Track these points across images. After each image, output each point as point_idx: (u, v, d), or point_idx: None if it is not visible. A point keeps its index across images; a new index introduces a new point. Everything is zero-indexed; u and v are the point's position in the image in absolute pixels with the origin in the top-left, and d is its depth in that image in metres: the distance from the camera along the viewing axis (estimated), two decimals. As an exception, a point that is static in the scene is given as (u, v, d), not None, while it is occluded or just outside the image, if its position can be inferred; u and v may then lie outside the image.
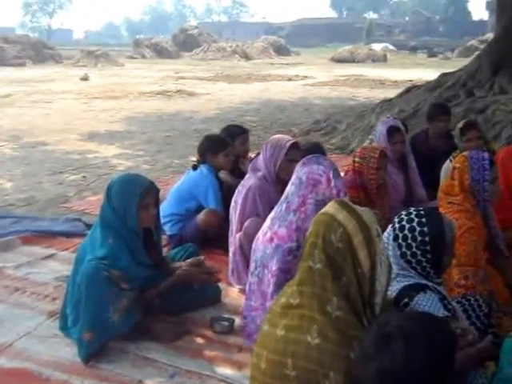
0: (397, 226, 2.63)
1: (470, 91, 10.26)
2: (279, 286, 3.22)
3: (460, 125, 5.01)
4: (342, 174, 4.30)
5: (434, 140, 5.73)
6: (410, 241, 2.59)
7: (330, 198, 3.28)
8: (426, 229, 2.59)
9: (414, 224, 2.61)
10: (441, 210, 3.38)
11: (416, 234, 2.59)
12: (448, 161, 4.96)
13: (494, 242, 3.61)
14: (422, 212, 2.66)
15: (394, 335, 1.71)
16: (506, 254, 3.67)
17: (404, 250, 2.59)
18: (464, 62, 13.84)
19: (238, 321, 3.48)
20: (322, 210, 2.20)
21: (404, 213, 2.69)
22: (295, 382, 2.03)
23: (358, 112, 11.57)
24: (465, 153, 3.64)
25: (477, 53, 13.65)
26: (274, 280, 3.23)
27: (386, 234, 2.70)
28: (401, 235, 2.61)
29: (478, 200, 3.48)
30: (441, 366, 1.71)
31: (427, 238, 2.58)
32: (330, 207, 2.18)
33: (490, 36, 23.47)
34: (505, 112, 9.19)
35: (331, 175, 3.32)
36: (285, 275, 3.21)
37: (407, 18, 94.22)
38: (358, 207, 2.17)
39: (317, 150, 5.47)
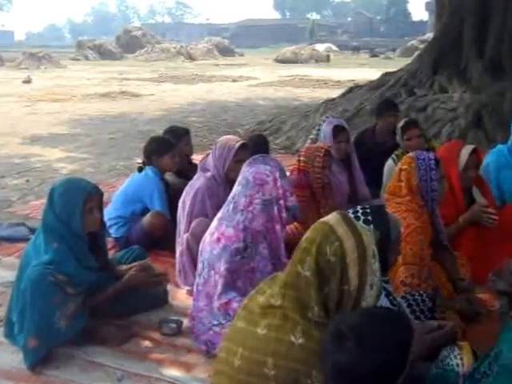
0: None
1: (411, 90, 10.49)
2: (227, 287, 3.22)
3: (401, 123, 5.11)
4: (288, 173, 4.33)
5: (382, 136, 5.80)
6: None
7: (276, 198, 3.31)
8: (371, 226, 2.63)
9: (360, 222, 2.64)
10: (388, 210, 3.44)
11: None
12: (390, 159, 5.05)
13: (438, 238, 3.69)
14: (368, 210, 2.69)
15: (347, 334, 1.73)
16: (450, 249, 3.76)
17: None
18: (405, 61, 14.12)
19: (186, 322, 3.45)
20: (324, 219, 2.15)
21: (350, 211, 2.71)
22: (273, 380, 2.02)
23: (303, 112, 11.65)
24: (411, 154, 3.69)
25: (417, 52, 13.95)
26: (222, 281, 3.22)
27: None
28: None
29: (427, 200, 3.53)
30: (395, 360, 1.74)
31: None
32: (332, 218, 2.13)
33: (429, 36, 24.05)
34: (445, 110, 9.43)
35: (277, 175, 3.33)
36: (232, 275, 3.22)
37: (349, 19, 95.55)
38: (360, 224, 2.16)
39: (260, 140, 5.53)
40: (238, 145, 4.09)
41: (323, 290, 2.02)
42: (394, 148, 5.21)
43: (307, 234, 2.12)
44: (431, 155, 3.61)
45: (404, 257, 3.19)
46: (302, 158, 4.52)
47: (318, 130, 5.41)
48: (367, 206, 2.77)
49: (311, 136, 5.71)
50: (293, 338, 2.00)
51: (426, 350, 2.17)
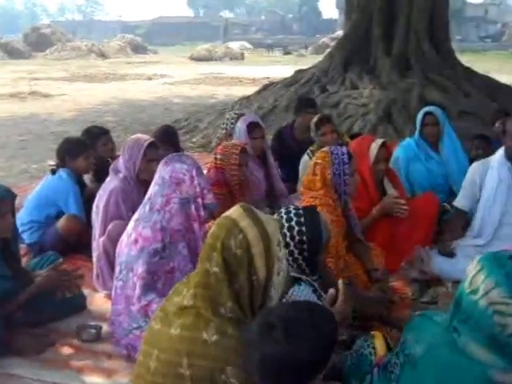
0: None
1: (323, 87, 10.71)
2: (146, 289, 3.19)
3: (315, 119, 5.20)
4: (205, 171, 4.33)
5: (301, 133, 5.87)
6: (288, 239, 2.65)
7: (194, 196, 3.30)
8: (304, 228, 2.66)
9: (293, 223, 2.67)
10: (303, 204, 3.51)
11: (294, 233, 2.66)
12: (305, 155, 5.14)
13: (352, 230, 3.80)
14: (301, 211, 2.73)
15: (276, 324, 1.76)
16: (363, 240, 3.88)
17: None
18: (317, 58, 14.37)
19: (105, 327, 3.39)
20: (226, 213, 2.15)
21: (283, 211, 2.74)
22: (189, 380, 2.01)
23: (219, 110, 11.65)
24: (325, 148, 3.77)
25: (328, 50, 14.25)
26: (140, 283, 3.18)
27: None
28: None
29: (340, 193, 3.62)
30: (322, 349, 1.78)
31: (305, 238, 2.65)
32: (235, 211, 2.14)
33: (340, 34, 24.57)
34: (356, 106, 9.70)
35: (194, 173, 3.32)
36: (151, 277, 3.18)
37: (263, 17, 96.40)
38: (262, 214, 2.16)
39: (170, 130, 5.50)
40: (146, 143, 4.05)
41: (233, 284, 2.04)
42: (311, 145, 5.29)
43: (211, 230, 2.14)
44: (344, 150, 3.71)
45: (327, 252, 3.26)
46: (218, 156, 4.52)
47: (225, 127, 5.43)
48: (300, 208, 2.80)
49: (218, 135, 5.73)
50: (206, 336, 2.01)
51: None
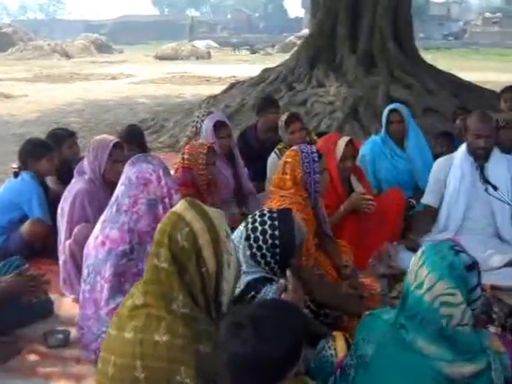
0: (250, 226, 2.67)
1: (290, 85, 10.75)
2: (114, 292, 3.15)
3: (284, 118, 5.20)
4: (172, 172, 4.30)
5: (265, 133, 5.88)
6: (261, 243, 2.65)
7: (161, 197, 3.27)
8: (277, 232, 2.66)
9: (266, 227, 2.66)
10: (273, 203, 3.50)
11: (267, 236, 2.65)
12: (273, 153, 5.14)
13: (322, 228, 3.81)
14: (275, 214, 2.72)
15: (245, 323, 1.76)
16: (333, 238, 3.89)
17: (254, 250, 2.64)
18: (284, 57, 14.41)
19: (73, 332, 3.34)
20: (172, 209, 2.18)
21: (258, 213, 2.73)
22: (145, 383, 2.01)
23: (185, 109, 11.60)
24: (295, 147, 3.77)
25: (295, 48, 14.30)
26: (108, 285, 3.14)
27: (238, 232, 2.73)
28: (252, 236, 2.66)
29: (310, 192, 3.62)
30: (291, 347, 1.78)
31: (277, 242, 2.65)
32: (180, 206, 2.16)
33: (306, 32, 24.68)
34: (323, 104, 9.76)
35: (161, 173, 3.30)
36: (119, 279, 3.15)
37: (229, 16, 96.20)
38: (207, 207, 2.18)
39: (136, 130, 5.46)
40: (111, 144, 4.00)
41: (184, 277, 2.05)
42: (277, 144, 5.30)
43: (158, 226, 2.15)
44: (314, 148, 3.72)
45: (301, 255, 3.26)
46: (185, 156, 4.50)
47: (194, 126, 5.41)
48: (275, 210, 2.80)
49: (187, 133, 5.70)
50: (157, 337, 2.01)
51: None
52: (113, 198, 3.34)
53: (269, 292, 2.56)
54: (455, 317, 1.95)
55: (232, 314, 1.86)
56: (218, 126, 5.00)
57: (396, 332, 2.05)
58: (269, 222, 2.68)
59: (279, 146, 5.16)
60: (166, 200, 3.29)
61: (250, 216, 2.75)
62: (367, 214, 4.24)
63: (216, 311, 2.12)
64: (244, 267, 2.61)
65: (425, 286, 2.00)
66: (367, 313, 2.28)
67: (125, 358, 2.05)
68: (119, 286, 3.16)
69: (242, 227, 2.69)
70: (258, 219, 2.69)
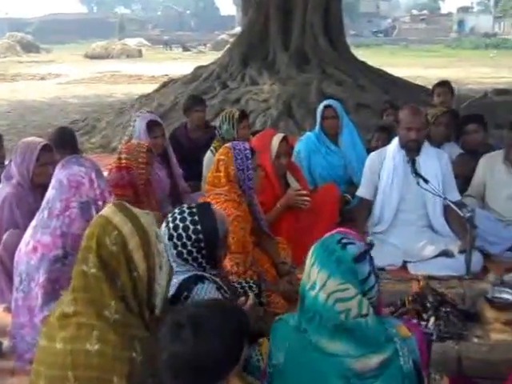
0: (171, 225, 2.63)
1: (224, 83, 10.75)
2: (48, 298, 3.07)
3: (236, 115, 5.19)
4: (106, 173, 4.21)
5: (194, 132, 5.88)
6: (185, 239, 2.60)
7: (94, 200, 3.20)
8: (199, 226, 2.62)
9: (188, 223, 2.63)
10: (209, 201, 3.48)
11: (190, 232, 2.61)
12: (209, 151, 5.12)
13: (259, 225, 3.81)
14: (194, 210, 2.69)
15: (185, 323, 1.74)
16: (270, 235, 3.90)
17: (180, 248, 2.60)
18: (217, 55, 14.40)
19: (6, 342, 3.23)
20: (100, 212, 2.13)
21: (177, 211, 2.70)
22: None
23: (117, 109, 11.44)
24: (227, 144, 3.76)
25: (227, 46, 14.30)
26: (42, 292, 3.07)
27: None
28: (175, 234, 2.61)
29: (244, 189, 3.62)
30: (231, 346, 1.78)
31: (201, 236, 2.61)
32: (107, 209, 2.11)
33: (238, 30, 24.75)
34: (257, 101, 9.80)
35: (94, 175, 3.24)
36: (53, 285, 3.08)
37: (159, 13, 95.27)
38: (136, 209, 2.13)
39: (67, 131, 5.32)
40: (39, 147, 3.87)
41: (115, 282, 2.00)
42: (208, 142, 5.29)
43: (86, 232, 2.10)
44: (247, 145, 3.71)
45: (228, 246, 3.25)
46: (124, 156, 4.43)
47: (133, 126, 5.32)
48: (193, 205, 2.77)
49: (127, 133, 5.60)
50: (88, 346, 1.96)
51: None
52: (44, 202, 3.25)
53: (201, 291, 2.54)
54: (352, 310, 1.94)
55: (172, 314, 1.83)
56: (151, 126, 4.94)
57: (301, 336, 2.03)
58: (189, 218, 2.65)
59: (214, 144, 5.15)
60: (100, 202, 3.23)
61: (169, 215, 2.71)
62: (303, 210, 4.28)
63: (149, 314, 2.08)
64: (176, 267, 2.59)
65: (317, 286, 1.98)
66: (277, 318, 2.23)
67: (56, 370, 1.99)
68: (54, 292, 3.08)
69: (163, 228, 2.65)
70: (178, 217, 2.66)
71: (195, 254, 2.62)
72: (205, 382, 1.76)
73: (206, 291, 2.52)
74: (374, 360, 1.94)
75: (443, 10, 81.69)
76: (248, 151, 3.63)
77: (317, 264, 2.01)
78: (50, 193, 3.22)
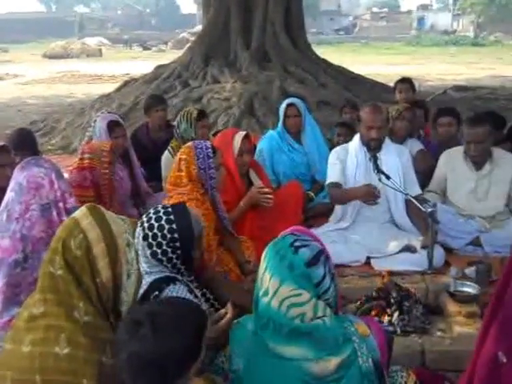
0: (146, 225, 2.60)
1: (185, 82, 10.70)
2: (9, 303, 3.01)
3: (194, 114, 5.16)
4: (67, 174, 4.15)
5: (155, 132, 5.84)
6: (160, 239, 2.59)
7: (55, 202, 3.15)
8: (174, 226, 2.61)
9: (163, 222, 2.61)
10: (171, 201, 3.45)
11: (165, 232, 2.60)
12: (166, 151, 5.08)
13: (222, 224, 3.80)
14: (169, 209, 2.67)
15: (143, 321, 1.73)
16: (234, 234, 3.89)
17: (154, 249, 2.58)
18: (178, 53, 14.33)
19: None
20: (73, 214, 2.08)
21: (152, 211, 2.68)
22: None
23: (77, 109, 11.33)
24: (189, 143, 3.74)
25: (188, 45, 14.24)
26: (1, 297, 3.01)
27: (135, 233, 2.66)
28: (150, 234, 2.59)
29: (207, 188, 3.61)
30: (190, 343, 1.77)
31: (176, 235, 2.60)
32: (79, 212, 2.07)
33: (199, 28, 24.65)
34: (219, 100, 9.79)
35: (54, 177, 3.19)
36: (13, 290, 3.02)
37: (119, 12, 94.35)
38: (111, 215, 2.10)
39: (26, 132, 5.23)
40: None
41: (82, 285, 1.98)
42: (170, 142, 5.25)
43: (56, 232, 2.07)
44: (208, 144, 3.70)
45: (203, 247, 3.23)
46: (86, 155, 4.37)
47: (93, 126, 5.25)
48: (168, 205, 2.75)
49: (87, 133, 5.52)
50: (58, 349, 1.93)
51: (220, 337, 2.22)
52: (2, 205, 3.19)
53: (172, 292, 2.52)
54: (307, 314, 1.93)
55: (130, 313, 1.84)
56: (112, 126, 4.88)
57: (259, 341, 2.00)
58: (164, 217, 2.63)
59: (172, 144, 5.11)
60: (61, 204, 3.18)
61: (144, 215, 2.69)
62: (267, 208, 4.28)
63: (115, 320, 2.05)
64: (146, 267, 2.57)
65: (270, 292, 1.95)
66: (235, 322, 2.21)
67: (23, 373, 1.95)
68: (14, 296, 3.03)
69: (138, 228, 2.63)
70: (153, 216, 2.64)
71: (170, 255, 2.60)
72: (165, 378, 1.75)
73: (177, 292, 2.50)
74: (333, 362, 1.93)
75: (403, 8, 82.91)
76: (210, 150, 3.61)
77: (268, 270, 1.97)
78: (9, 195, 3.16)
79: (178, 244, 2.61)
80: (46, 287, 2.00)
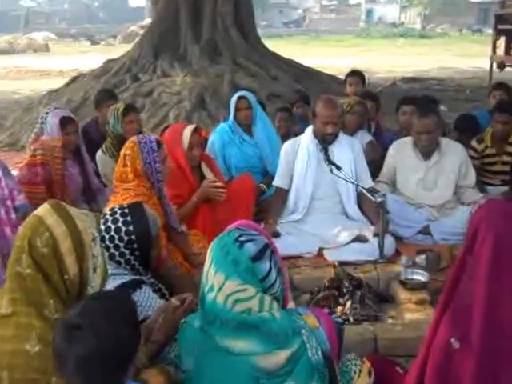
0: (102, 227, 2.58)
1: (135, 76, 10.61)
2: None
3: (121, 109, 5.07)
4: (16, 171, 4.08)
5: (105, 126, 5.75)
6: (117, 241, 2.58)
7: (2, 199, 3.09)
8: (131, 227, 2.61)
9: (120, 224, 2.60)
10: (118, 197, 3.42)
11: (122, 234, 2.59)
12: (100, 151, 5.03)
13: (167, 218, 3.72)
14: (126, 210, 2.65)
15: (78, 323, 1.72)
16: (180, 229, 3.83)
17: (112, 251, 2.57)
18: (127, 47, 14.14)
19: None
20: (35, 211, 2.04)
21: (109, 212, 2.65)
22: None
23: (25, 105, 11.13)
24: (133, 138, 3.68)
25: (137, 39, 14.09)
26: None
27: None
28: (107, 236, 2.58)
29: (153, 182, 3.57)
30: (129, 337, 1.77)
31: (134, 237, 2.59)
32: (42, 208, 2.03)
33: (148, 21, 24.40)
34: (170, 94, 9.74)
35: (1, 174, 3.14)
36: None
37: (66, 6, 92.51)
38: (74, 210, 2.06)
39: None
40: None
41: (50, 282, 1.95)
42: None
43: (19, 231, 2.03)
44: (152, 138, 3.66)
45: (160, 246, 3.21)
46: (39, 151, 4.33)
47: (42, 122, 5.15)
48: (125, 206, 2.73)
49: (35, 130, 5.42)
50: (28, 347, 1.90)
51: (177, 327, 2.22)
52: None
53: (138, 298, 2.53)
54: (253, 309, 1.92)
55: (62, 319, 1.80)
56: (64, 122, 4.80)
57: (207, 338, 1.99)
58: (121, 219, 2.62)
59: (106, 143, 5.05)
60: (8, 202, 3.14)
61: (100, 217, 2.65)
62: (220, 202, 4.28)
63: None
64: (110, 270, 2.54)
65: (215, 288, 1.94)
66: (182, 321, 2.18)
67: None
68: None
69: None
70: (110, 218, 2.62)
71: (128, 256, 2.60)
72: (109, 373, 1.74)
73: (143, 297, 2.54)
74: (282, 356, 1.92)
75: (352, 1, 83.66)
76: (154, 144, 3.57)
77: (213, 265, 1.96)
78: (-47, 194, 3.08)
79: (135, 246, 2.61)
80: (14, 287, 1.96)
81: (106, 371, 1.72)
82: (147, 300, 2.54)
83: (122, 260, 2.60)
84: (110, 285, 2.51)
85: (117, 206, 2.72)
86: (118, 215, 2.63)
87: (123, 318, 1.78)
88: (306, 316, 2.03)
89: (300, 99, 6.49)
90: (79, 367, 1.70)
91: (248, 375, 1.92)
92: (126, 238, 2.59)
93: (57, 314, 1.94)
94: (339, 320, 2.23)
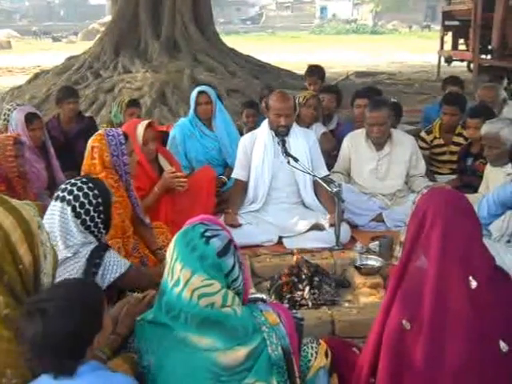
0: (69, 198, 2.69)
1: (96, 72, 10.59)
2: None
3: (125, 101, 5.35)
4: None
5: (67, 123, 5.79)
6: (87, 206, 2.71)
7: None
8: (96, 191, 2.74)
9: (86, 190, 2.72)
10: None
11: (91, 198, 2.72)
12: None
13: (134, 210, 3.75)
14: (84, 179, 2.80)
15: (33, 309, 1.77)
16: (146, 222, 3.86)
17: (84, 217, 2.70)
18: (88, 44, 14.01)
19: None
20: None
21: (68, 185, 2.75)
22: None
23: (-14, 103, 10.91)
24: (101, 131, 3.70)
25: (98, 36, 14.00)
26: None
27: (57, 212, 2.71)
28: (78, 204, 2.69)
29: (121, 174, 3.61)
30: (87, 322, 1.82)
31: (100, 200, 2.74)
32: None
33: (109, 19, 24.18)
34: (131, 90, 9.75)
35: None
36: None
37: (27, 3, 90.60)
38: (16, 201, 2.07)
39: None
40: None
41: (3, 276, 1.96)
42: (82, 132, 5.28)
43: None
44: (119, 131, 3.69)
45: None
46: (-10, 151, 4.28)
47: (5, 119, 5.17)
48: (79, 177, 2.87)
49: (-4, 127, 5.41)
50: None
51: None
52: None
53: (110, 258, 2.72)
54: (216, 303, 1.95)
55: (28, 302, 1.85)
56: (29, 118, 4.83)
57: (168, 333, 2.00)
58: (85, 186, 2.74)
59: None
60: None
61: (60, 191, 2.75)
62: (181, 193, 4.34)
63: None
64: (79, 240, 2.68)
65: (181, 283, 1.95)
66: (138, 319, 2.17)
67: None
68: None
69: (56, 208, 2.69)
70: (74, 188, 2.72)
71: (96, 220, 2.73)
72: (65, 358, 1.78)
73: (114, 257, 2.75)
74: (242, 352, 1.95)
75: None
76: (121, 137, 3.62)
77: (179, 260, 1.98)
78: None
79: (101, 208, 2.74)
80: None
81: (62, 353, 1.77)
82: (115, 260, 2.75)
83: (92, 224, 2.72)
84: (85, 250, 2.67)
85: (72, 180, 2.81)
86: (80, 184, 2.75)
87: (84, 306, 1.82)
88: (266, 313, 2.07)
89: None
90: (36, 349, 1.76)
91: (209, 371, 1.94)
92: (94, 201, 2.71)
93: (6, 309, 1.94)
94: (298, 316, 2.33)
